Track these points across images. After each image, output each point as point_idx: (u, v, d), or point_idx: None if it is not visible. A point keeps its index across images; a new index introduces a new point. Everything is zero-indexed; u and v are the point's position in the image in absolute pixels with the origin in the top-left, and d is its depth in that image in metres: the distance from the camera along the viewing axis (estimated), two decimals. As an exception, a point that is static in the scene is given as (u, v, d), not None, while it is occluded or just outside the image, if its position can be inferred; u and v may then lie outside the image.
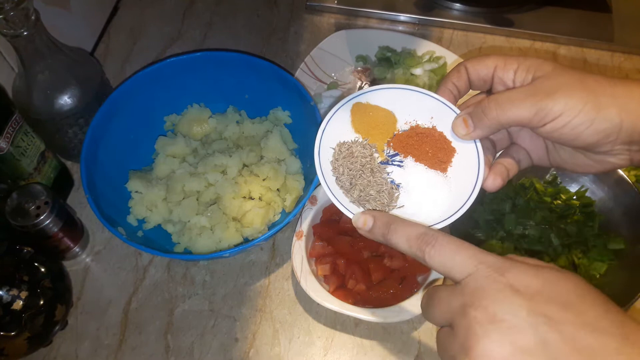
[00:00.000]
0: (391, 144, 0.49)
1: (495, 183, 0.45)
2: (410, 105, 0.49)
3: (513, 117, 0.41)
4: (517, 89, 0.42)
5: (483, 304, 0.32)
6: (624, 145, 0.40)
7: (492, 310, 0.32)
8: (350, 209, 0.45)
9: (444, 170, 0.47)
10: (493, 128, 0.43)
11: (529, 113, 0.40)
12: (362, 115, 0.49)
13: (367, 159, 0.47)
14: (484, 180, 0.45)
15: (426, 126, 0.49)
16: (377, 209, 0.45)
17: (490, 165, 0.46)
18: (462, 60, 0.81)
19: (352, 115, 0.50)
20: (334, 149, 0.48)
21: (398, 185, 0.47)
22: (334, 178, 0.47)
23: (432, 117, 0.49)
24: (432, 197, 0.46)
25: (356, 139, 0.49)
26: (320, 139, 0.48)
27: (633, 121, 0.39)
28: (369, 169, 0.47)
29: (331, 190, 0.46)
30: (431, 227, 0.43)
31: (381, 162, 0.48)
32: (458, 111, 0.47)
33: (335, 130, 0.49)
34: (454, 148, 0.47)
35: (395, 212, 0.46)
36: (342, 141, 0.49)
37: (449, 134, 0.48)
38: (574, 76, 0.40)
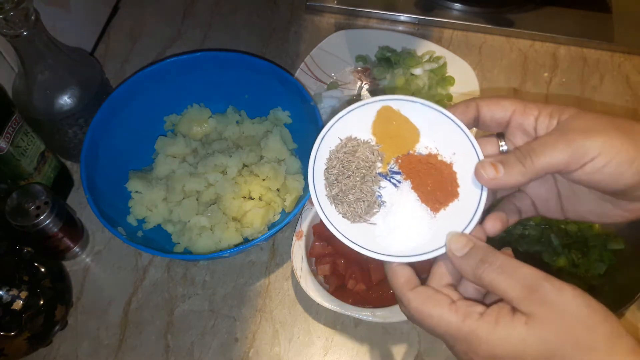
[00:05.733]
0: (399, 160, 0.46)
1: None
2: (440, 133, 0.45)
3: (549, 161, 0.38)
4: (547, 134, 0.40)
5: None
6: None
7: None
8: (321, 202, 0.44)
9: (435, 210, 0.44)
10: (527, 176, 0.40)
11: (565, 154, 0.38)
12: (386, 121, 0.47)
13: (367, 164, 0.45)
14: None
15: (444, 159, 0.45)
16: (347, 215, 0.44)
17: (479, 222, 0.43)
18: (462, 60, 0.81)
19: (377, 115, 0.47)
20: (341, 139, 0.46)
21: (383, 203, 0.44)
22: (325, 167, 0.45)
23: (454, 153, 0.45)
24: (408, 230, 0.43)
25: (368, 141, 0.46)
26: (334, 123, 0.46)
27: None
28: (362, 175, 0.45)
29: (314, 176, 0.44)
30: (382, 257, 0.41)
31: (379, 174, 0.45)
32: (482, 157, 0.43)
33: (353, 123, 0.46)
34: (457, 193, 0.44)
35: (362, 225, 0.44)
36: (352, 136, 0.46)
37: (462, 179, 0.44)
38: (602, 116, 0.38)
